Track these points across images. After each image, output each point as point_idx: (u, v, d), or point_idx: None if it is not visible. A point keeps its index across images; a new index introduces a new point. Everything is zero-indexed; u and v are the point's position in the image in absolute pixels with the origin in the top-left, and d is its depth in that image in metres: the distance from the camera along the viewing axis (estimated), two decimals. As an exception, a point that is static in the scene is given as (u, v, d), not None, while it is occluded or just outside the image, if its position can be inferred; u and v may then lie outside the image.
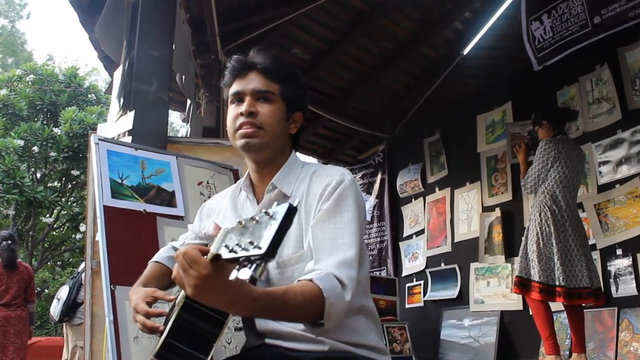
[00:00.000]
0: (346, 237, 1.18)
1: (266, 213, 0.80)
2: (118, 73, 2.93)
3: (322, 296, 1.07)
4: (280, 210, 0.79)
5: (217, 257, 0.87)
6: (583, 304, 3.06)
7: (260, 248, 0.76)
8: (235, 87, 1.32)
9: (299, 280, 1.11)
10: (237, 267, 0.80)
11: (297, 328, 1.19)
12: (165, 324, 1.13)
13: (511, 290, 3.92)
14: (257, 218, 0.81)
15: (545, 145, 3.15)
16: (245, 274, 0.78)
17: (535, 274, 3.02)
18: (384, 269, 5.25)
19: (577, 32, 3.49)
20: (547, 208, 3.08)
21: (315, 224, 1.21)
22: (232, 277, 0.80)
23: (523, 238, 3.16)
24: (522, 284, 3.06)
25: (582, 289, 2.96)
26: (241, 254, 0.80)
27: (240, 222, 0.84)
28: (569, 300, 2.98)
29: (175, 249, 1.45)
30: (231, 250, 0.82)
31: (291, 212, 0.79)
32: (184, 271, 0.92)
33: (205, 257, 0.90)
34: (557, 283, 2.97)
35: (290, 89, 1.32)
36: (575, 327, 3.05)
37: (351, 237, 1.19)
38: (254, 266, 0.78)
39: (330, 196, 1.23)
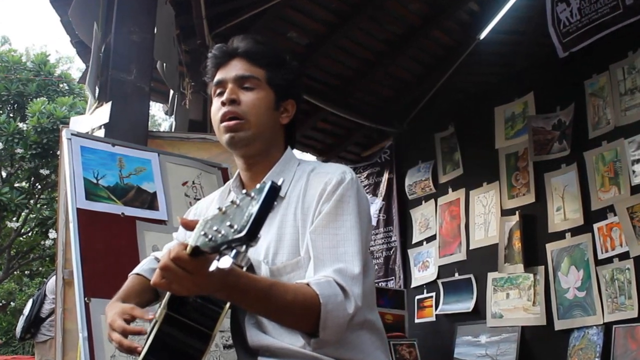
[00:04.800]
0: (349, 246, 1.19)
1: (247, 194, 0.81)
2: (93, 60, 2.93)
3: (317, 302, 1.07)
4: (261, 190, 0.79)
5: (196, 249, 0.88)
6: None
7: (240, 231, 0.77)
8: (217, 77, 1.33)
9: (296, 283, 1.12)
10: (218, 256, 0.81)
11: (293, 344, 1.19)
12: (146, 341, 1.14)
13: (533, 303, 3.92)
14: (237, 202, 0.82)
15: None
16: (226, 262, 0.79)
17: None
18: (392, 279, 5.24)
19: (607, 15, 3.48)
20: None
21: (314, 229, 1.21)
22: (212, 267, 0.81)
23: None
24: None
25: None
26: (221, 240, 0.81)
27: (220, 209, 0.85)
28: None
29: (159, 260, 1.45)
30: (210, 239, 0.83)
31: (274, 191, 0.79)
32: (169, 283, 0.95)
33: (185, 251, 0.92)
34: None
35: (278, 74, 1.33)
36: None
37: (354, 246, 1.19)
38: (234, 252, 0.79)
39: (331, 197, 1.23)
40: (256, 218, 0.77)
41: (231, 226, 0.79)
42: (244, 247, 0.79)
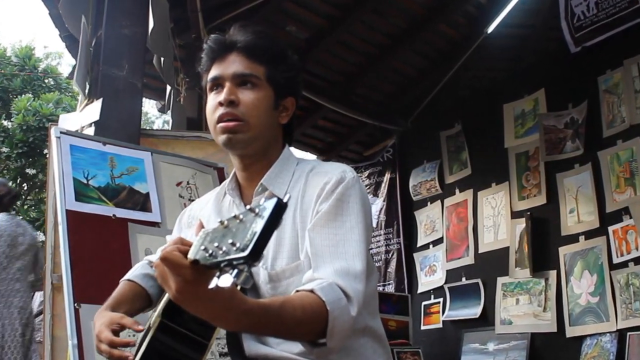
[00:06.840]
0: (349, 246, 1.19)
1: (251, 210, 0.81)
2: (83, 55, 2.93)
3: (325, 310, 1.07)
4: (267, 207, 0.79)
5: (195, 263, 0.88)
6: None
7: (243, 250, 0.76)
8: (213, 72, 1.31)
9: (297, 291, 1.12)
10: (218, 273, 0.81)
11: (292, 352, 1.19)
12: (138, 349, 1.14)
13: (543, 309, 3.92)
14: (241, 217, 0.82)
15: None
16: (226, 280, 0.78)
17: None
18: (391, 283, 5.25)
19: (624, 9, 3.48)
20: None
21: (313, 228, 1.21)
22: (211, 285, 0.80)
23: None
24: None
25: None
26: (222, 257, 0.80)
27: (222, 222, 0.85)
28: None
29: (152, 264, 1.45)
30: (211, 255, 0.83)
31: (280, 208, 0.79)
32: (163, 280, 0.93)
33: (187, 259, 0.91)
34: None
35: (278, 70, 1.31)
36: None
37: (355, 246, 1.19)
38: (235, 271, 0.78)
39: (330, 196, 1.23)
40: (260, 237, 0.76)
41: (233, 244, 0.78)
42: (245, 266, 0.78)
